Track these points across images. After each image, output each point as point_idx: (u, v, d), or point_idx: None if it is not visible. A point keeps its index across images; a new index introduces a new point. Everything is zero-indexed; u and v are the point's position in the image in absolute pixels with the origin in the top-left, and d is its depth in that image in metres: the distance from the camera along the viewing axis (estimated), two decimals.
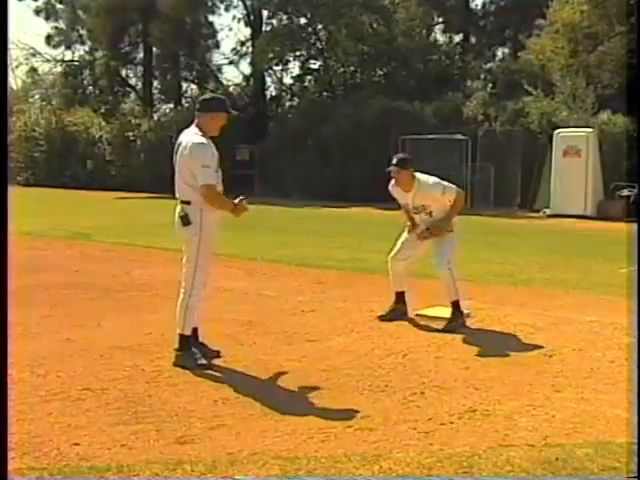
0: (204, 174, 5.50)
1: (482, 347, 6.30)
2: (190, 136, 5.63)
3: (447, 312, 7.38)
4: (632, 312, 7.17)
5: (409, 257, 7.39)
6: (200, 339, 5.83)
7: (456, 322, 7.02)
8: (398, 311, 7.35)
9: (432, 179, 7.22)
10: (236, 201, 5.67)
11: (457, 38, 33.85)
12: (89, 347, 6.14)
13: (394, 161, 7.08)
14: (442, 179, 7.30)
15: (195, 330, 5.78)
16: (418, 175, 7.18)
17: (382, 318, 7.27)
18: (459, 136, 23.83)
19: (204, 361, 5.62)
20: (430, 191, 7.12)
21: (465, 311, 7.25)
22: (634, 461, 3.91)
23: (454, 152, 24.07)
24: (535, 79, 25.05)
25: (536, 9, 26.55)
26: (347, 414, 4.63)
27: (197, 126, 5.68)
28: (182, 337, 5.69)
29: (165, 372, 5.47)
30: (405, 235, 7.45)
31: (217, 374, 5.48)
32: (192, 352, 5.66)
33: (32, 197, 27.27)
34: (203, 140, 5.58)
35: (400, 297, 7.43)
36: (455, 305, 7.12)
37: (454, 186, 7.22)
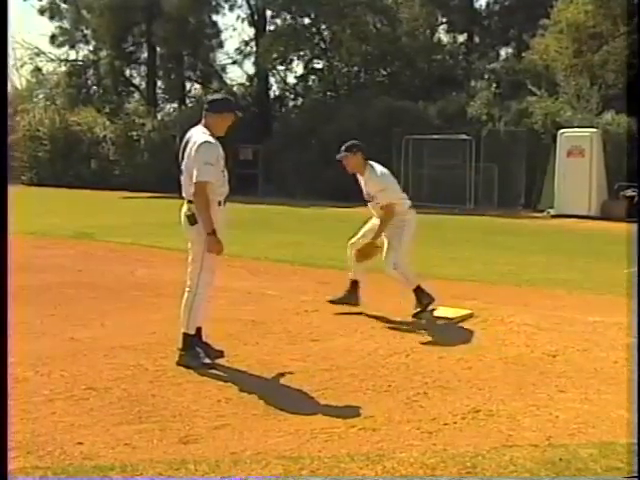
0: (203, 171, 5.49)
1: (485, 347, 6.31)
2: (198, 135, 5.64)
3: (451, 312, 7.40)
4: (633, 312, 7.17)
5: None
6: (204, 338, 5.84)
7: (426, 301, 7.31)
8: (349, 298, 7.53)
9: (381, 171, 7.37)
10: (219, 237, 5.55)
11: (461, 38, 33.82)
12: (93, 346, 6.14)
13: (343, 147, 7.32)
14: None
15: (199, 329, 5.79)
16: (372, 163, 7.37)
17: (332, 302, 7.54)
18: (463, 136, 23.81)
19: (208, 360, 5.63)
20: (374, 181, 7.31)
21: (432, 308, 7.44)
22: (634, 461, 3.91)
23: (458, 152, 24.06)
24: (539, 79, 25.01)
25: (540, 9, 26.49)
26: (350, 414, 4.63)
27: (205, 126, 5.71)
28: (186, 336, 5.70)
29: (169, 371, 5.47)
30: (367, 225, 7.62)
31: (220, 374, 5.48)
32: (196, 352, 5.66)
33: (36, 197, 27.31)
34: (211, 139, 5.60)
35: (354, 285, 7.58)
36: (417, 290, 7.32)
37: (393, 193, 7.32)
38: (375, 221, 7.49)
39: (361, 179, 7.52)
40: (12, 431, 4.24)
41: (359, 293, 7.60)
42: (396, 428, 4.42)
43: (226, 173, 5.76)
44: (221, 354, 5.82)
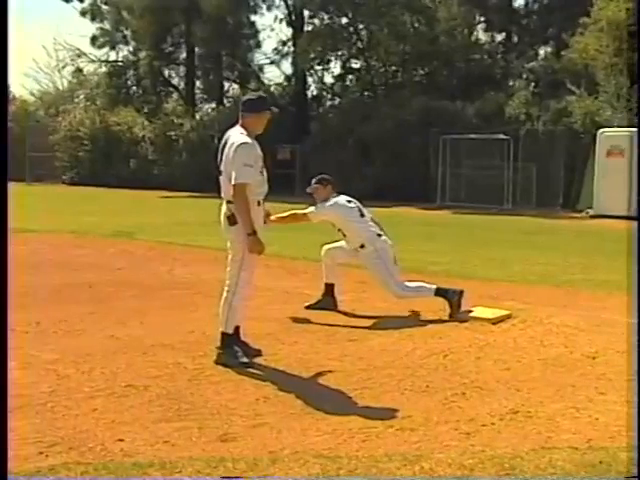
0: (242, 172, 5.52)
1: (524, 348, 6.27)
2: (236, 136, 5.66)
3: (489, 312, 7.36)
4: (633, 311, 7.12)
5: (342, 258, 7.81)
6: (242, 337, 5.87)
7: (455, 297, 7.38)
8: (325, 302, 7.66)
9: (333, 200, 7.58)
10: (259, 236, 5.60)
11: (499, 37, 33.56)
12: (132, 344, 6.21)
13: (314, 180, 7.67)
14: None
15: (237, 328, 5.82)
16: (340, 197, 7.65)
17: (309, 307, 7.62)
18: (501, 136, 23.68)
19: (245, 360, 5.66)
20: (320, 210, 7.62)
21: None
22: (634, 462, 3.87)
23: (496, 152, 23.93)
24: (578, 78, 24.75)
25: (580, 7, 26.18)
26: (388, 414, 4.63)
27: (242, 126, 5.72)
28: (224, 335, 5.73)
29: (207, 370, 5.51)
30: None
31: (258, 372, 5.51)
32: (234, 350, 5.69)
33: (76, 196, 27.64)
34: (248, 140, 5.61)
35: (329, 289, 7.72)
36: (440, 291, 7.42)
37: (315, 210, 7.56)
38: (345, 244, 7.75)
39: None
40: (55, 427, 4.32)
41: (336, 296, 7.75)
42: (434, 429, 4.41)
43: (265, 173, 5.79)
44: (259, 353, 5.85)
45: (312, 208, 7.57)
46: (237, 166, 5.54)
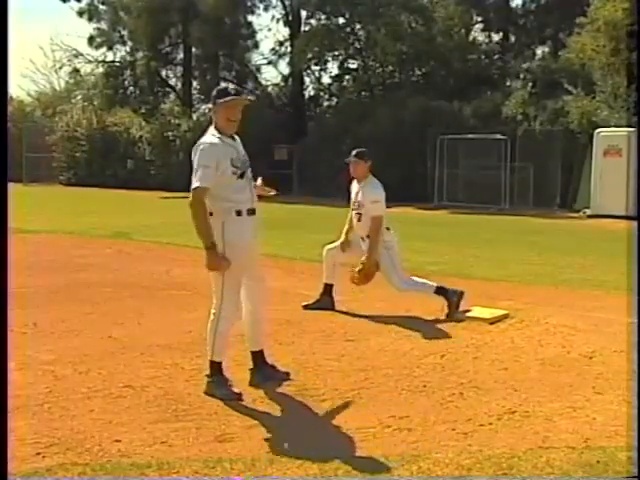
0: (199, 175, 4.83)
1: (521, 348, 6.27)
2: (202, 138, 5.01)
3: (486, 312, 7.37)
4: (633, 312, 7.13)
5: (343, 258, 7.78)
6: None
7: (454, 297, 7.39)
8: (323, 302, 7.69)
9: (377, 184, 7.48)
10: (220, 251, 4.91)
11: (496, 37, 33.56)
12: (130, 345, 6.21)
13: (354, 153, 7.48)
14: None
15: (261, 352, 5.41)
16: (372, 176, 7.53)
17: (306, 307, 7.65)
18: (498, 136, 23.67)
19: (236, 390, 5.04)
20: (371, 191, 7.42)
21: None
22: (634, 462, 3.87)
23: (493, 152, 23.93)
24: (575, 78, 24.76)
25: (577, 7, 26.19)
26: (385, 414, 4.63)
27: (215, 127, 5.04)
28: (212, 364, 5.12)
29: (204, 370, 5.47)
30: (347, 236, 7.81)
31: None
32: (223, 379, 5.13)
33: (74, 196, 27.61)
34: (213, 140, 4.94)
35: (327, 289, 7.75)
36: (440, 290, 7.44)
37: (381, 207, 7.39)
38: (356, 239, 7.66)
39: (357, 186, 7.62)
40: (52, 427, 4.32)
41: (334, 297, 7.76)
42: (431, 428, 4.41)
43: (248, 177, 5.09)
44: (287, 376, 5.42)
45: (373, 205, 7.32)
46: (195, 169, 4.87)
